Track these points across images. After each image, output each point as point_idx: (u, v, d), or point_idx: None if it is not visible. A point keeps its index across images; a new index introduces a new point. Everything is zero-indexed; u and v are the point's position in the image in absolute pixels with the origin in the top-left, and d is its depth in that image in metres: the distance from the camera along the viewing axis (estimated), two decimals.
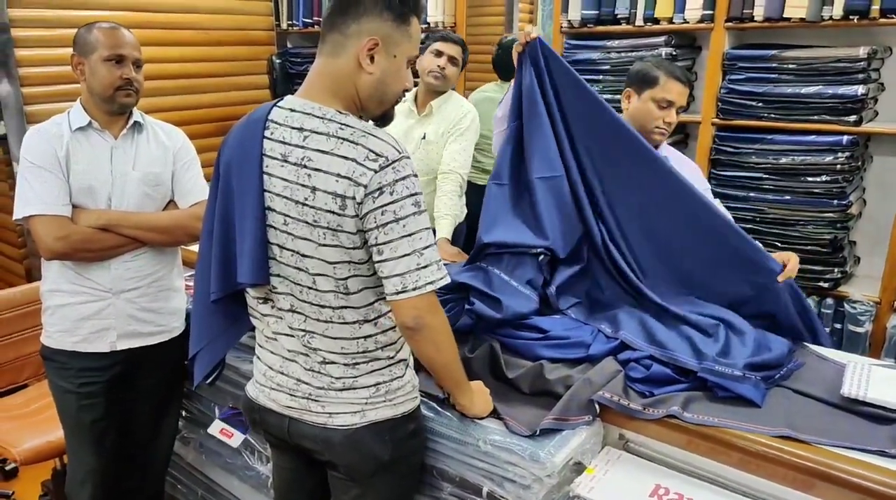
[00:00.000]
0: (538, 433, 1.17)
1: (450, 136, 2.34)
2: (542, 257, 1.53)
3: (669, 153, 1.89)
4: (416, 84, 2.41)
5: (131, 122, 1.62)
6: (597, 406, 1.24)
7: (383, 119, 1.17)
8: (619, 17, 2.48)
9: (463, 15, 3.11)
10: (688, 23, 2.34)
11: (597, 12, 2.53)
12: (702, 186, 1.85)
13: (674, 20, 2.36)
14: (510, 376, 1.33)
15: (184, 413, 1.85)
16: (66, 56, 1.59)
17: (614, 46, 2.50)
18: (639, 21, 2.44)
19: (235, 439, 1.56)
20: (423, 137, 2.39)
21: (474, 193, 2.96)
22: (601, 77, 2.55)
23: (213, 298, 1.20)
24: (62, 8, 2.67)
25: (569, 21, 2.60)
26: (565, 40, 2.63)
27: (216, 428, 1.59)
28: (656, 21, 2.41)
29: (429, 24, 3.20)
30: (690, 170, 1.89)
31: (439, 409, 1.26)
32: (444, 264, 1.09)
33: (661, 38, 2.37)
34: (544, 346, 1.40)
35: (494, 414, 1.24)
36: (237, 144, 1.15)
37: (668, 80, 1.74)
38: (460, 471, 1.25)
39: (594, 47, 2.55)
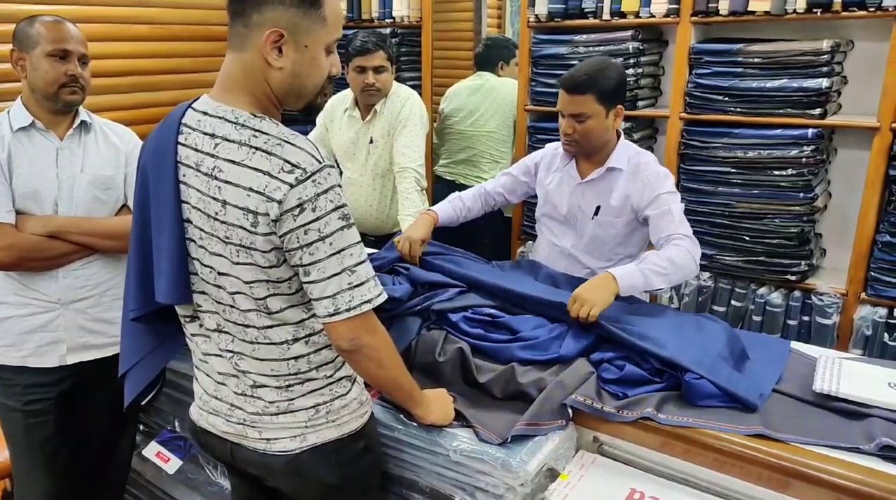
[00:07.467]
0: (510, 440, 1.13)
1: (394, 131, 2.28)
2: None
3: (625, 165, 1.67)
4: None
5: (77, 121, 1.54)
6: (570, 410, 1.21)
7: (307, 111, 1.06)
8: (585, 11, 2.46)
9: (429, 10, 3.03)
10: (654, 17, 2.33)
11: (563, 6, 2.51)
12: (651, 194, 1.62)
13: (640, 14, 2.36)
14: (481, 381, 1.29)
15: (141, 427, 1.77)
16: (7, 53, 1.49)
17: (582, 41, 2.48)
18: (605, 15, 2.43)
19: (172, 464, 1.47)
20: (371, 142, 2.33)
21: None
22: None
23: (132, 316, 1.12)
24: (7, 2, 2.52)
25: (535, 15, 2.57)
26: (533, 35, 2.60)
27: (152, 451, 1.50)
28: (623, 15, 2.39)
29: (394, 18, 3.13)
30: (645, 181, 1.65)
31: (406, 420, 1.21)
32: None
33: (629, 33, 2.36)
34: (517, 347, 1.37)
35: (463, 422, 1.20)
36: (152, 148, 1.05)
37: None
38: (431, 481, 1.21)
39: (562, 42, 2.52)
